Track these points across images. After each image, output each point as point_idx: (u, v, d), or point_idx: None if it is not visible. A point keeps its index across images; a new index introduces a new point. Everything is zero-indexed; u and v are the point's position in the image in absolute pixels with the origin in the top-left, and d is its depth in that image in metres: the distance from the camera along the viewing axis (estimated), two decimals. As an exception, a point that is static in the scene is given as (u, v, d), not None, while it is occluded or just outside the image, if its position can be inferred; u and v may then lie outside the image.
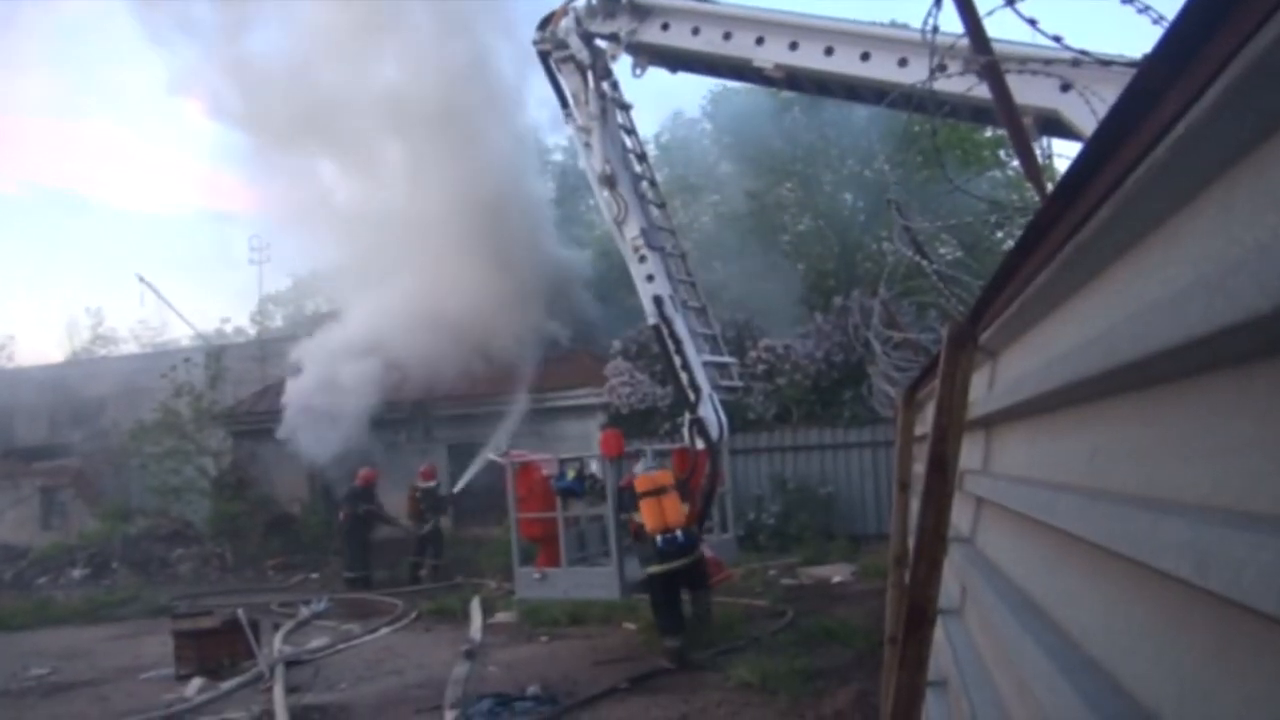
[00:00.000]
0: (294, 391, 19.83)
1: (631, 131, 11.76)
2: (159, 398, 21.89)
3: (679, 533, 9.09)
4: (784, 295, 20.82)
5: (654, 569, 9.15)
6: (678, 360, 10.41)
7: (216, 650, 9.98)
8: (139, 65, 64.60)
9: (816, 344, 17.39)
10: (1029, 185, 4.93)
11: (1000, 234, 17.98)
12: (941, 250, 16.03)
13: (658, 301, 10.50)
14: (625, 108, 11.60)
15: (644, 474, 9.41)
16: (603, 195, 10.94)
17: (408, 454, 19.83)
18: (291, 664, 9.83)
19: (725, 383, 11.12)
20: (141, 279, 30.56)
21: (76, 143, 68.09)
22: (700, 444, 10.17)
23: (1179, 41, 1.01)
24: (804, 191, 24.22)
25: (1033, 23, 3.24)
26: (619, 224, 10.85)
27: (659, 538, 9.04)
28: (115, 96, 69.08)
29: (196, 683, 9.38)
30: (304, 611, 13.11)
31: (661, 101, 33.27)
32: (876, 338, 8.26)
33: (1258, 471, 0.92)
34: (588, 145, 11.03)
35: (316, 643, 11.15)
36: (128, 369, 28.32)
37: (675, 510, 9.20)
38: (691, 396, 10.31)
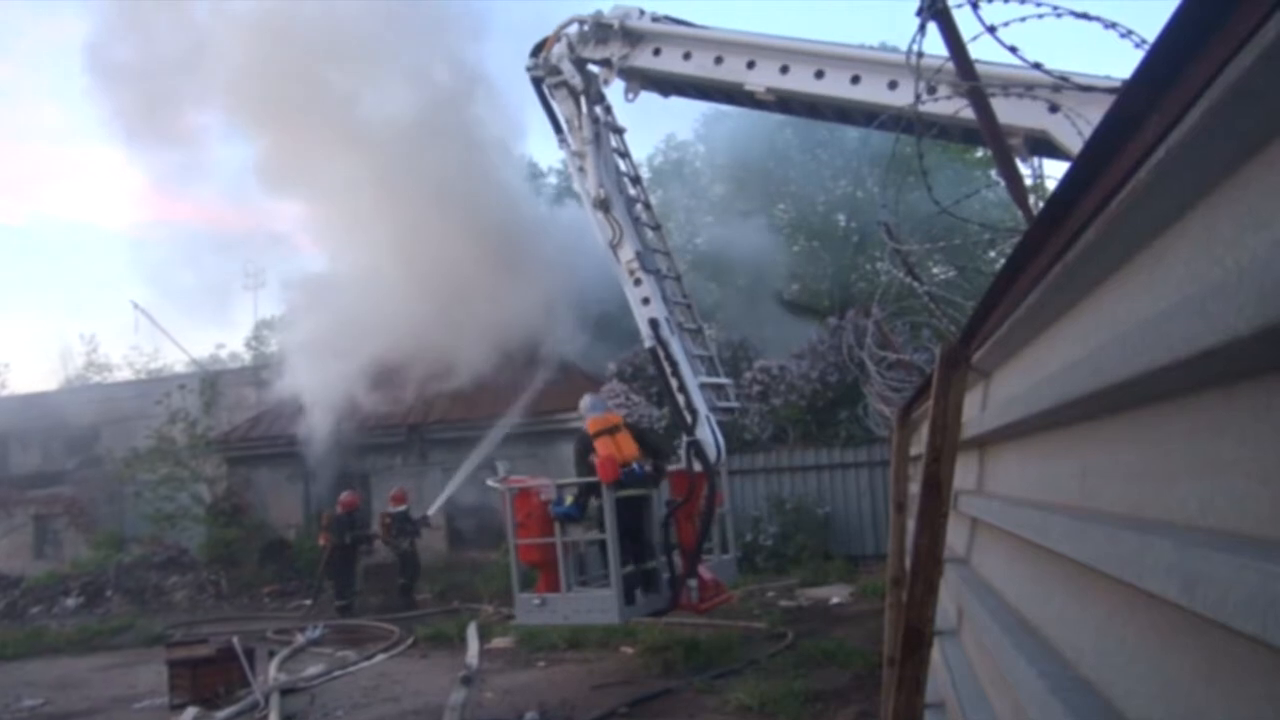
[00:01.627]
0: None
1: (625, 155, 11.78)
2: (153, 424, 21.86)
3: (635, 465, 9.64)
4: (778, 316, 20.85)
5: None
6: (674, 383, 10.39)
7: (211, 679, 9.90)
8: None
9: (811, 364, 17.39)
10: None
11: (993, 254, 18.04)
12: (935, 270, 16.07)
13: (654, 324, 10.49)
14: (618, 131, 11.64)
15: (594, 416, 9.99)
16: (597, 219, 10.96)
17: (402, 477, 19.79)
18: (287, 692, 9.75)
19: (722, 404, 11.10)
20: (136, 305, 30.62)
21: (69, 168, 68.36)
22: (698, 466, 10.14)
23: (1158, 67, 1.02)
24: (797, 213, 24.32)
25: (1013, 49, 3.27)
26: (614, 247, 10.86)
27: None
28: (106, 119, 69.22)
29: (191, 712, 9.29)
30: (299, 639, 13.02)
31: (654, 125, 33.37)
32: (870, 358, 8.28)
33: (1241, 493, 0.93)
34: (582, 170, 11.07)
35: (312, 670, 11.06)
36: (122, 395, 28.30)
37: (629, 445, 9.78)
38: (688, 418, 10.29)
